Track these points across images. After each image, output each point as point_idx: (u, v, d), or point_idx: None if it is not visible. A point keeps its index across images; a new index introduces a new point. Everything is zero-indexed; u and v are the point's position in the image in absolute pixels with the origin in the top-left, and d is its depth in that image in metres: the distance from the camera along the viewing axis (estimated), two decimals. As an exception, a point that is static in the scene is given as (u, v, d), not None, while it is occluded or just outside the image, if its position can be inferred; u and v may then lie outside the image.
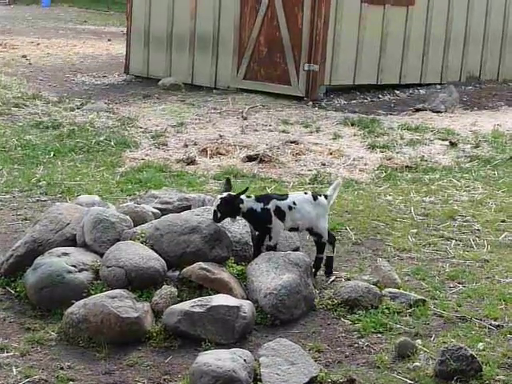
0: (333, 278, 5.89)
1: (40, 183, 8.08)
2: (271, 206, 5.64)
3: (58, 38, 21.64)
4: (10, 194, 7.78)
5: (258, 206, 5.63)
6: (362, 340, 5.03)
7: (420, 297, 5.54)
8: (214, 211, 5.54)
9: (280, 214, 5.65)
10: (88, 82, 14.95)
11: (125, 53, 15.80)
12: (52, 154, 9.26)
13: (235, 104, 12.73)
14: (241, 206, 5.57)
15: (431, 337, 5.08)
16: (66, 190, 7.86)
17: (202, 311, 4.88)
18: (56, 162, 8.96)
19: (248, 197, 5.65)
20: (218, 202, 5.51)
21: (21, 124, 10.83)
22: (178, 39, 14.78)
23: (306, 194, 5.94)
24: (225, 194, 5.57)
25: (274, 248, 5.68)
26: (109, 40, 21.60)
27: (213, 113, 12.03)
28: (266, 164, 9.23)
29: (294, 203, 5.70)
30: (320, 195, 5.90)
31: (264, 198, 5.72)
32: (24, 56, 17.43)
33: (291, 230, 5.85)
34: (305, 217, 5.74)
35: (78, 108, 11.99)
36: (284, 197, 5.78)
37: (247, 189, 5.74)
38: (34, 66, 16.26)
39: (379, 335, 5.09)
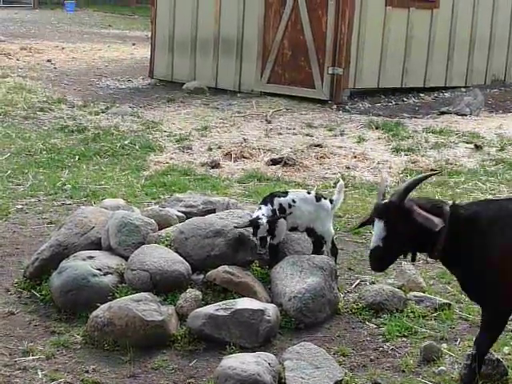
0: (357, 281, 5.87)
1: (65, 187, 8.13)
2: (276, 205, 5.57)
3: (83, 42, 21.78)
4: (35, 197, 7.83)
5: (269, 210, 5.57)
6: (387, 344, 5.01)
7: (445, 300, 5.51)
8: (264, 238, 5.45)
9: (282, 212, 5.58)
10: (113, 85, 15.03)
11: (149, 57, 15.87)
12: (77, 157, 9.31)
13: (259, 107, 12.73)
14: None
15: (456, 341, 5.05)
16: (90, 194, 7.90)
17: (227, 314, 4.88)
18: (81, 166, 9.01)
19: (258, 209, 5.60)
20: (267, 228, 5.44)
21: (46, 128, 10.91)
22: (202, 43, 14.82)
23: (309, 193, 5.85)
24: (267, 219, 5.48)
25: (276, 247, 5.63)
26: (133, 44, 21.71)
27: (237, 116, 12.05)
28: (290, 167, 9.22)
29: (294, 201, 5.63)
30: (325, 198, 5.80)
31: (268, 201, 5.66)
32: (49, 60, 17.56)
33: (292, 229, 5.71)
34: (304, 215, 5.64)
35: (103, 112, 12.06)
36: (284, 194, 5.69)
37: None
38: (58, 70, 16.37)
39: (404, 339, 5.07)
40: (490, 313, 4.28)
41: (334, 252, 5.80)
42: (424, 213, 4.14)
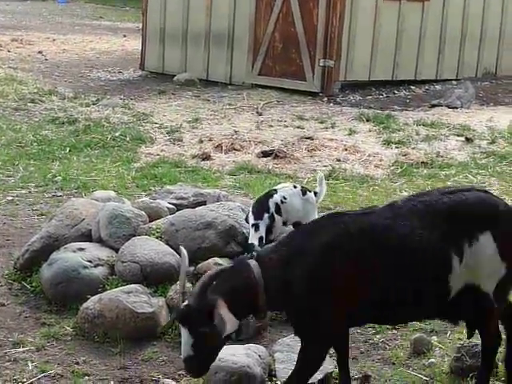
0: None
1: (56, 178, 8.11)
2: (272, 207, 5.59)
3: (74, 33, 21.69)
4: (25, 189, 7.81)
5: None
6: (378, 336, 5.02)
7: (435, 293, 5.52)
8: (262, 237, 5.46)
9: (277, 208, 5.61)
10: (103, 77, 14.99)
11: (140, 49, 15.82)
12: (68, 149, 9.29)
13: (250, 100, 12.72)
14: None
15: (447, 333, 5.06)
16: (81, 186, 7.89)
17: (217, 307, 4.87)
18: (72, 158, 8.99)
19: None
20: (266, 224, 5.48)
21: (37, 119, 10.87)
22: (193, 35, 14.78)
23: (295, 187, 5.86)
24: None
25: (272, 242, 5.63)
26: (124, 36, 21.64)
27: (228, 108, 12.04)
28: (280, 160, 9.22)
29: (285, 198, 5.65)
30: (310, 191, 5.83)
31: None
32: (40, 52, 17.49)
33: (283, 224, 5.73)
34: (294, 210, 5.68)
35: (94, 104, 12.03)
36: (274, 192, 5.72)
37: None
38: (49, 62, 16.31)
39: (394, 331, 5.08)
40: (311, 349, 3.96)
41: None
42: (223, 312, 3.70)
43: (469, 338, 4.28)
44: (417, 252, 3.87)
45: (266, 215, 5.53)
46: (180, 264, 4.93)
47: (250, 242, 5.46)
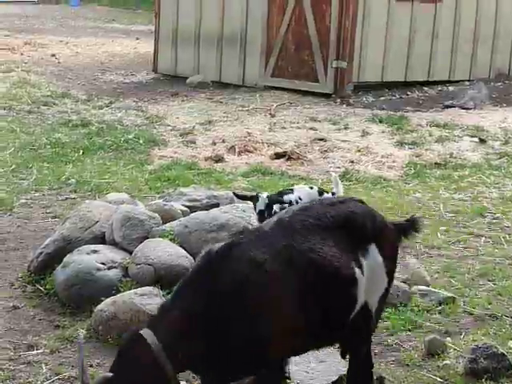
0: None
1: (69, 181, 8.13)
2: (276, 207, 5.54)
3: (87, 36, 21.76)
4: (39, 192, 7.84)
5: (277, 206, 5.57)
6: (392, 338, 5.01)
7: (450, 294, 5.51)
8: (262, 211, 5.39)
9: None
10: (116, 80, 15.02)
11: (153, 51, 15.86)
12: (81, 152, 9.32)
13: (263, 101, 12.71)
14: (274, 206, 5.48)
15: (461, 335, 5.04)
16: (95, 188, 7.91)
17: (231, 308, 4.87)
18: (85, 160, 9.01)
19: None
20: (267, 202, 5.39)
21: (50, 122, 10.91)
22: (205, 37, 14.79)
23: (311, 188, 5.87)
24: (267, 194, 5.50)
25: None
26: (137, 38, 21.68)
27: (241, 110, 12.04)
28: (294, 161, 9.21)
29: (300, 198, 5.62)
30: (327, 192, 5.82)
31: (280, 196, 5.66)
32: (53, 55, 17.55)
33: None
34: None
35: (107, 106, 12.06)
36: (289, 191, 5.70)
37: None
38: (62, 65, 16.36)
39: (408, 333, 5.07)
40: None
41: None
42: None
43: (343, 358, 4.05)
44: (324, 269, 3.60)
45: (278, 205, 5.47)
46: (192, 265, 4.95)
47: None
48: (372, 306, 3.82)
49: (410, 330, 5.09)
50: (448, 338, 4.95)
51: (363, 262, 3.73)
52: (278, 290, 3.53)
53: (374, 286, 3.81)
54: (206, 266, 3.55)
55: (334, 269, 3.62)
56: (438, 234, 6.84)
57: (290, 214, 3.76)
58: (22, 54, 17.37)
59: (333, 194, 5.78)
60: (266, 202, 5.38)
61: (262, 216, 5.34)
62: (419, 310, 5.30)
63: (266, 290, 3.50)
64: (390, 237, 3.95)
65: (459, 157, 9.65)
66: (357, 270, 3.70)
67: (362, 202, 4.03)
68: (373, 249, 3.79)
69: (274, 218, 3.79)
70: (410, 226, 4.17)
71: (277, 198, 5.51)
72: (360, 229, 3.77)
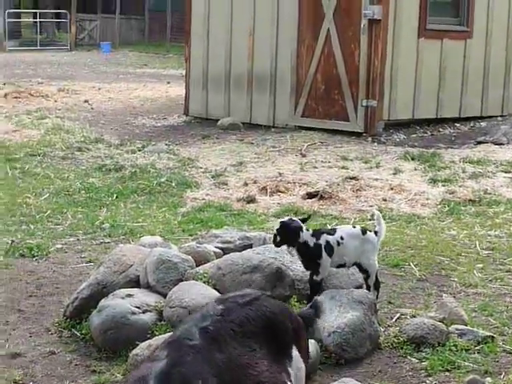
0: (397, 315, 5.81)
1: (103, 225, 8.18)
2: (322, 240, 5.59)
3: (119, 82, 22.07)
4: (74, 236, 7.90)
5: (312, 241, 5.58)
6: (430, 379, 4.93)
7: (488, 333, 5.42)
8: (274, 235, 5.51)
9: (329, 249, 5.58)
10: (148, 124, 15.18)
11: (184, 95, 16.02)
12: (115, 196, 9.39)
13: (294, 142, 12.75)
14: (300, 233, 5.51)
15: (501, 374, 4.95)
16: (128, 232, 7.95)
17: (266, 351, 4.84)
18: (119, 204, 9.08)
19: (307, 229, 5.61)
20: (278, 226, 5.49)
21: (84, 167, 11.03)
22: (235, 79, 14.93)
23: (354, 227, 5.87)
24: (286, 218, 5.56)
25: (319, 283, 5.59)
26: (168, 82, 21.94)
27: (272, 151, 12.08)
28: (326, 201, 9.19)
29: (342, 238, 5.62)
30: (370, 230, 5.78)
31: (317, 233, 5.66)
32: (86, 101, 17.81)
33: (339, 266, 5.72)
34: (351, 252, 5.63)
35: (140, 150, 12.16)
36: (332, 231, 5.71)
37: (310, 216, 5.69)
38: (95, 111, 16.58)
39: (447, 373, 4.99)
40: None
41: (377, 286, 5.76)
42: None
43: None
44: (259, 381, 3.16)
45: (315, 239, 5.53)
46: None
47: None
48: None
49: (448, 371, 5.01)
50: (488, 378, 4.86)
51: (291, 372, 3.35)
52: None
53: None
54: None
55: (266, 380, 3.18)
56: (475, 272, 6.76)
57: (212, 321, 3.21)
58: (55, 101, 17.64)
59: (375, 232, 5.74)
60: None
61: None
62: (457, 350, 5.21)
63: None
64: (303, 333, 3.58)
65: (493, 193, 9.57)
66: (288, 381, 3.30)
67: (269, 295, 3.62)
68: (295, 353, 3.42)
69: (195, 329, 3.18)
70: (313, 314, 4.00)
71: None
72: (283, 332, 3.36)
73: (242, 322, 3.25)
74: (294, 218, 5.61)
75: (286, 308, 3.59)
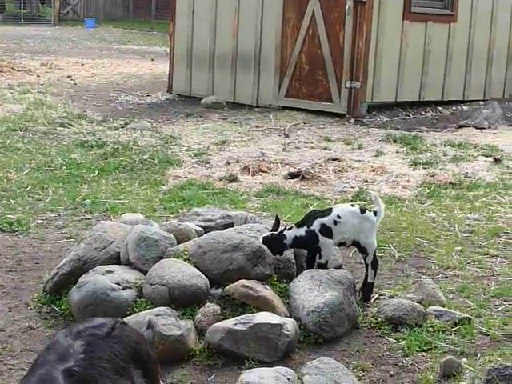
0: (376, 295, 5.86)
1: (85, 202, 8.17)
2: (315, 226, 5.62)
3: (102, 58, 21.93)
4: (55, 212, 7.88)
5: (302, 231, 5.62)
6: (407, 359, 4.98)
7: (465, 315, 5.48)
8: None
9: (327, 231, 5.63)
10: (132, 101, 15.12)
11: (168, 72, 15.96)
12: (96, 172, 9.37)
13: (277, 122, 12.76)
14: (285, 241, 5.58)
15: (477, 355, 5.01)
16: (110, 209, 7.94)
17: (245, 329, 4.88)
18: (100, 181, 9.06)
19: (289, 229, 5.65)
20: (261, 242, 5.55)
21: (66, 143, 10.98)
22: (220, 58, 14.89)
23: (352, 206, 5.90)
24: (267, 234, 5.59)
25: (325, 266, 5.65)
26: (152, 60, 21.83)
27: (255, 130, 12.08)
28: (308, 181, 9.22)
29: (339, 216, 5.66)
30: (369, 210, 5.82)
31: (307, 220, 5.69)
32: (69, 76, 17.70)
33: (340, 244, 5.79)
34: (350, 230, 5.68)
35: (122, 127, 12.12)
36: (327, 212, 5.75)
37: (278, 221, 5.69)
38: (78, 86, 16.49)
39: (424, 354, 5.04)
40: None
41: (375, 265, 5.81)
42: None
43: None
44: None
45: (305, 227, 5.61)
46: (208, 286, 4.95)
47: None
48: None
49: (425, 351, 5.06)
50: (464, 359, 4.92)
51: None
52: None
53: None
54: None
55: None
56: (453, 254, 6.82)
57: (76, 361, 2.65)
58: (38, 76, 17.52)
59: (375, 212, 5.77)
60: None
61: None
62: (434, 331, 5.27)
63: None
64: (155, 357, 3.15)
65: (474, 176, 9.63)
66: None
67: (124, 323, 3.05)
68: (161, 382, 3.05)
69: (57, 373, 2.59)
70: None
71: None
72: (148, 362, 2.96)
73: (110, 358, 2.73)
74: (275, 233, 5.59)
75: (141, 334, 3.17)
